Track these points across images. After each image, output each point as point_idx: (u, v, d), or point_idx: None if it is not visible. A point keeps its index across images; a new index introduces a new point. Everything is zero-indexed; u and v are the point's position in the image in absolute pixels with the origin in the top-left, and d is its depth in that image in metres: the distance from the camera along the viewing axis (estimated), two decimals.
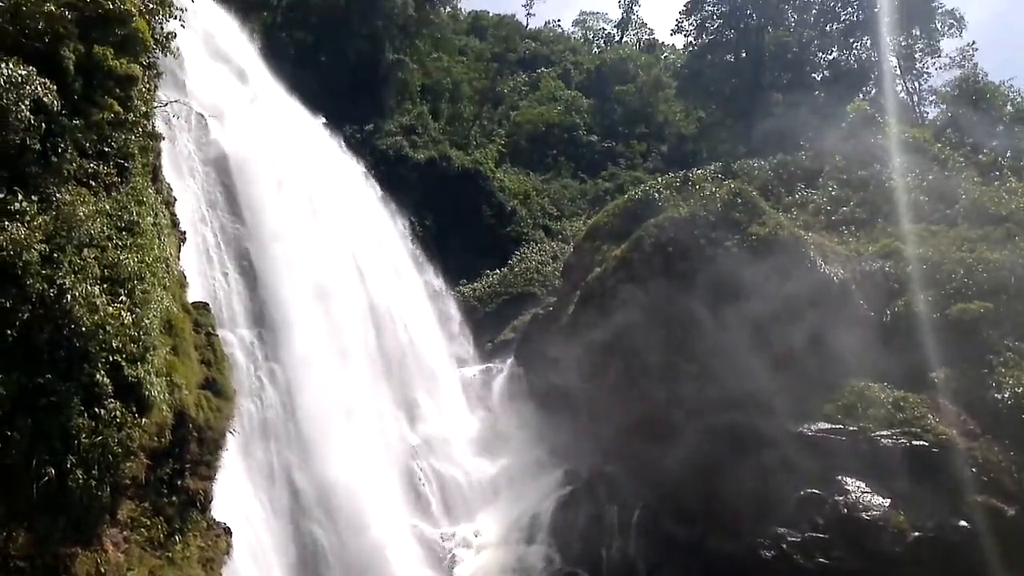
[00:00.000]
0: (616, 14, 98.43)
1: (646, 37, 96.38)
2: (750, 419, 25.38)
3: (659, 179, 37.42)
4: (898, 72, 59.11)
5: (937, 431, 23.85)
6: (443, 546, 28.63)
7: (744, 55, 62.21)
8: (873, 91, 56.04)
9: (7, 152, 14.80)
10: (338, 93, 52.30)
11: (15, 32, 15.33)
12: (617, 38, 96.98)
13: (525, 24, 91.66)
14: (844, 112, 41.33)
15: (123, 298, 15.49)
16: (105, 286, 15.27)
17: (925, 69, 58.98)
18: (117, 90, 17.71)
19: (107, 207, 16.52)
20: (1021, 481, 22.83)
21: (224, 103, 31.27)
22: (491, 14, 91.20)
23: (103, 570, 14.68)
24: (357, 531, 25.77)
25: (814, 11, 61.41)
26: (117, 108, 17.57)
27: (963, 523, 22.12)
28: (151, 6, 18.89)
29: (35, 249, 14.16)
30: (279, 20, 61.56)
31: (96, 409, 14.47)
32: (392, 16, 62.02)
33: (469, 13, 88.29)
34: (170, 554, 16.88)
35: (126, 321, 15.13)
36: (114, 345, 14.87)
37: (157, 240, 18.04)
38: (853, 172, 35.68)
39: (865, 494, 23.13)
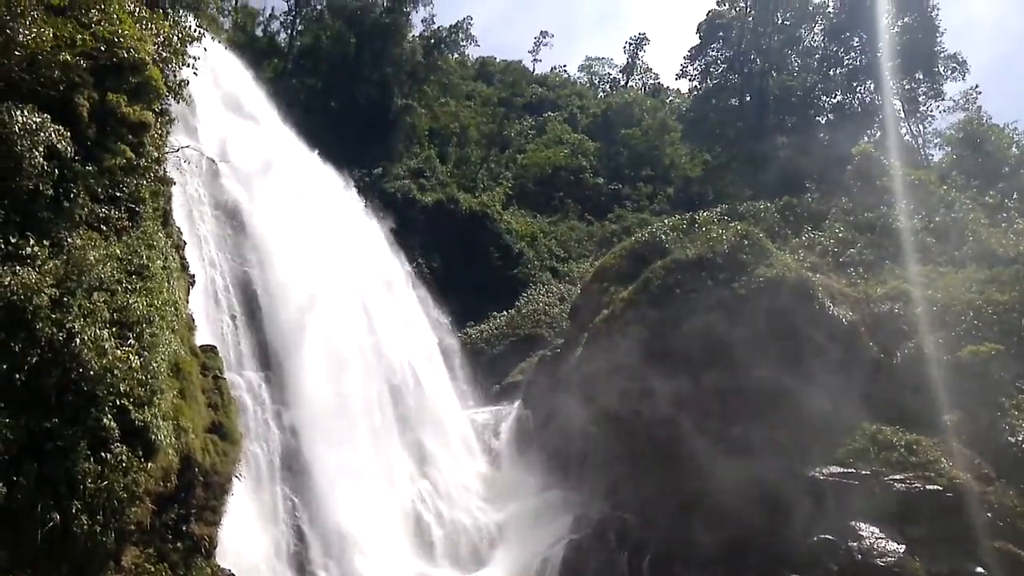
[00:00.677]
0: (621, 59, 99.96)
1: (651, 82, 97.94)
2: (761, 463, 25.05)
3: (666, 221, 37.48)
4: (902, 115, 59.55)
5: (951, 475, 23.46)
6: None
7: (748, 99, 62.73)
8: (878, 134, 56.36)
9: (20, 197, 15.00)
10: (347, 137, 53.15)
11: (31, 80, 15.63)
12: (622, 83, 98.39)
13: (531, 69, 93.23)
14: (849, 154, 41.53)
15: (131, 341, 15.52)
16: (114, 330, 15.30)
17: (929, 112, 59.44)
18: (130, 136, 18.01)
19: (117, 251, 16.65)
20: None
21: (235, 148, 31.68)
22: (498, 60, 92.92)
23: None
24: None
25: (817, 56, 62.08)
26: (129, 154, 17.83)
27: (980, 569, 21.60)
28: (165, 54, 19.28)
29: (45, 293, 14.24)
30: (289, 67, 62.88)
31: (102, 453, 14.37)
32: (401, 62, 63.28)
33: (477, 59, 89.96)
34: None
35: (134, 364, 15.13)
36: (122, 389, 14.84)
37: (166, 284, 18.14)
38: (860, 214, 35.76)
39: (879, 540, 22.68)
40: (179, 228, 22.92)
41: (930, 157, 57.33)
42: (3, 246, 14.43)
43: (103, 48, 16.99)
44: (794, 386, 25.53)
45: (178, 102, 21.07)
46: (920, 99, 59.09)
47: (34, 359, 13.85)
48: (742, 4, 63.54)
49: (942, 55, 57.19)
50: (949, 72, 57.60)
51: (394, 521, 28.68)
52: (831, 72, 60.74)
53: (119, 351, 14.97)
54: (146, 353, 15.68)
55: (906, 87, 58.60)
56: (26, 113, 14.90)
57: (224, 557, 19.12)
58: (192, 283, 23.14)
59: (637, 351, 28.58)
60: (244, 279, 28.67)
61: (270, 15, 67.03)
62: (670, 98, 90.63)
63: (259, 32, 66.62)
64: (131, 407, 15.04)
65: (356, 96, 59.67)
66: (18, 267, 14.19)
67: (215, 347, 22.36)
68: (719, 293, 27.99)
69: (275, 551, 23.95)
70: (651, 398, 28.03)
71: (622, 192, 68.01)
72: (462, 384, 41.20)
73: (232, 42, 49.24)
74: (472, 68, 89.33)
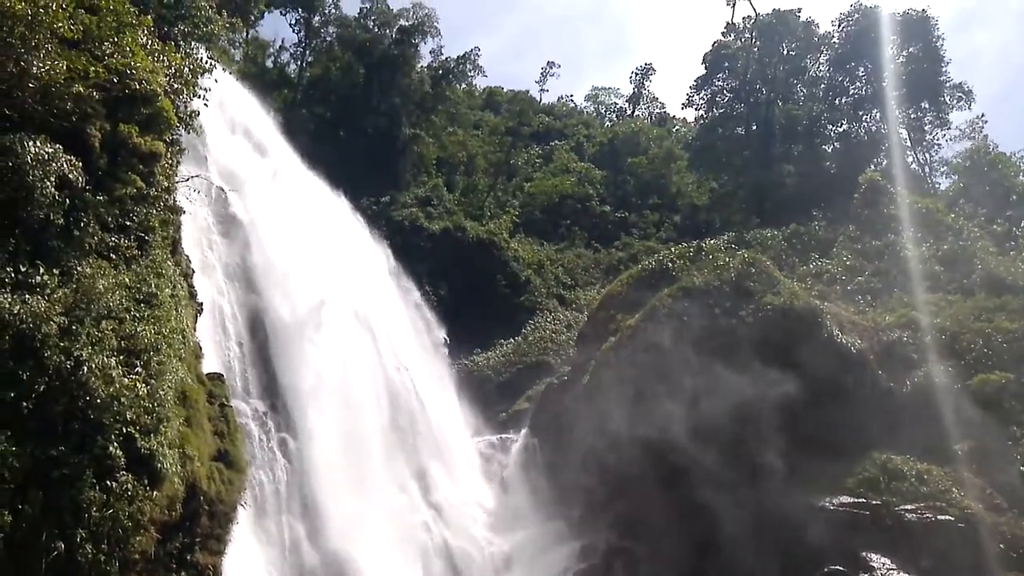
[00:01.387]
0: (628, 89, 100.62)
1: (657, 111, 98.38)
2: (771, 493, 24.85)
3: (672, 249, 37.56)
4: (908, 144, 59.74)
5: (963, 505, 23.23)
6: None
7: (755, 128, 63.00)
8: (884, 162, 56.44)
9: (31, 226, 15.16)
10: (356, 166, 53.49)
11: (44, 112, 15.86)
12: (629, 112, 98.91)
13: (538, 99, 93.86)
14: (856, 183, 41.61)
15: (139, 369, 15.56)
16: (121, 358, 15.33)
17: (935, 141, 59.73)
18: (140, 166, 18.22)
19: (126, 280, 16.76)
20: None
21: (244, 177, 31.97)
22: (505, 90, 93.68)
23: None
24: None
25: (823, 85, 62.48)
26: (140, 183, 18.04)
27: None
28: (176, 86, 19.54)
29: (54, 321, 14.32)
30: (299, 97, 63.57)
31: (108, 482, 14.34)
32: (409, 92, 63.94)
33: (484, 89, 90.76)
34: None
35: (141, 392, 15.15)
36: (128, 417, 14.84)
37: (174, 312, 18.21)
38: (867, 242, 35.80)
39: (891, 571, 22.40)
40: (187, 256, 23.08)
41: (937, 185, 57.48)
42: (13, 275, 14.54)
43: (116, 80, 17.23)
44: (805, 415, 25.41)
45: (188, 132, 21.31)
46: (926, 128, 59.39)
47: (41, 387, 13.88)
48: (747, 35, 64.11)
49: (947, 84, 57.52)
50: (955, 101, 57.94)
51: (400, 550, 28.42)
52: (837, 101, 61.09)
53: (126, 379, 14.99)
54: (153, 381, 15.70)
55: (912, 116, 58.92)
56: (38, 144, 15.10)
57: None
58: (200, 311, 23.25)
59: (645, 379, 28.48)
60: (252, 307, 28.77)
61: (280, 47, 68.04)
62: (676, 127, 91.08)
63: (269, 63, 67.51)
64: (137, 435, 15.04)
65: (365, 126, 60.23)
66: (27, 296, 14.28)
67: (222, 375, 22.39)
68: (726, 321, 27.93)
69: None
70: (659, 426, 27.89)
71: (629, 220, 68.12)
72: (469, 411, 41.05)
73: (243, 73, 49.85)
74: (480, 98, 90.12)
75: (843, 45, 59.71)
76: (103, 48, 17.15)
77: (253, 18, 52.39)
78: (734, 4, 66.11)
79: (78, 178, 15.84)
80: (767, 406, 25.82)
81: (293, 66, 67.44)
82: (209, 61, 22.40)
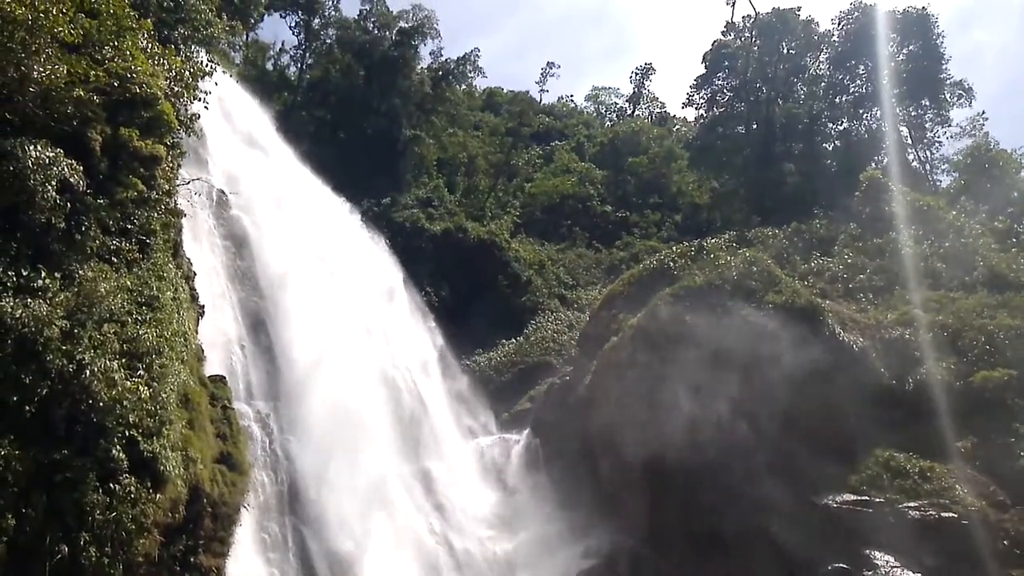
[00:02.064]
0: (628, 89, 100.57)
1: (657, 110, 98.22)
2: (774, 491, 24.84)
3: (674, 248, 37.53)
4: (909, 141, 59.66)
5: (966, 502, 23.21)
6: None
7: (755, 126, 62.91)
8: (885, 160, 56.37)
9: (32, 230, 15.21)
10: (356, 168, 53.54)
11: (45, 116, 15.90)
12: (629, 112, 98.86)
13: (539, 100, 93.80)
14: (857, 180, 41.57)
15: (141, 372, 15.62)
16: (124, 361, 15.40)
17: (936, 138, 59.58)
18: (141, 170, 18.28)
19: (128, 283, 16.81)
20: None
21: (245, 180, 32.01)
22: (505, 90, 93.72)
23: None
24: None
25: (823, 84, 62.38)
26: (141, 187, 18.09)
27: None
28: (176, 89, 19.59)
29: (56, 325, 14.37)
30: (299, 99, 63.65)
31: (111, 485, 14.41)
32: (409, 94, 63.96)
33: (484, 90, 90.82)
34: None
35: (143, 395, 15.21)
36: (131, 420, 14.91)
37: (176, 315, 18.25)
38: (868, 239, 35.74)
39: (895, 568, 22.38)
40: (189, 259, 23.11)
41: (938, 183, 57.35)
42: (15, 279, 14.59)
43: (116, 84, 17.29)
44: (808, 412, 25.42)
45: (189, 136, 21.35)
46: (927, 125, 59.27)
47: (44, 391, 13.93)
48: (747, 34, 64.06)
49: (947, 82, 57.37)
50: (955, 99, 57.76)
51: (403, 551, 28.45)
52: (837, 99, 61.00)
53: (128, 382, 15.04)
54: (155, 384, 15.76)
55: (912, 113, 58.82)
56: (39, 148, 15.14)
57: None
58: (202, 313, 23.29)
59: (647, 378, 28.49)
60: (254, 309, 28.80)
61: (280, 49, 68.23)
62: (676, 126, 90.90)
63: (269, 66, 67.61)
64: (140, 438, 15.10)
65: (365, 127, 60.26)
66: (29, 300, 14.33)
67: (224, 377, 22.44)
68: (728, 320, 27.92)
69: None
70: (662, 425, 27.90)
71: (630, 219, 68.08)
72: (471, 412, 41.07)
73: (243, 76, 49.92)
74: (480, 99, 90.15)
75: (843, 43, 59.60)
76: (103, 52, 17.19)
77: (253, 21, 52.39)
78: (734, 3, 66.37)
79: (79, 182, 15.89)
80: (768, 405, 25.84)
81: (293, 68, 67.60)
82: (209, 64, 22.44)
